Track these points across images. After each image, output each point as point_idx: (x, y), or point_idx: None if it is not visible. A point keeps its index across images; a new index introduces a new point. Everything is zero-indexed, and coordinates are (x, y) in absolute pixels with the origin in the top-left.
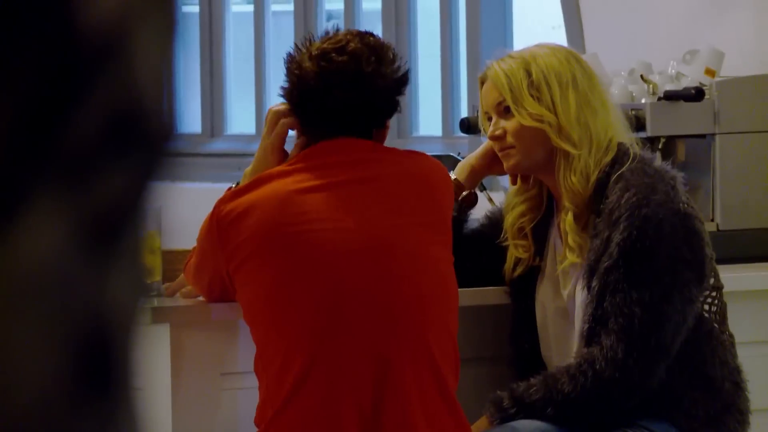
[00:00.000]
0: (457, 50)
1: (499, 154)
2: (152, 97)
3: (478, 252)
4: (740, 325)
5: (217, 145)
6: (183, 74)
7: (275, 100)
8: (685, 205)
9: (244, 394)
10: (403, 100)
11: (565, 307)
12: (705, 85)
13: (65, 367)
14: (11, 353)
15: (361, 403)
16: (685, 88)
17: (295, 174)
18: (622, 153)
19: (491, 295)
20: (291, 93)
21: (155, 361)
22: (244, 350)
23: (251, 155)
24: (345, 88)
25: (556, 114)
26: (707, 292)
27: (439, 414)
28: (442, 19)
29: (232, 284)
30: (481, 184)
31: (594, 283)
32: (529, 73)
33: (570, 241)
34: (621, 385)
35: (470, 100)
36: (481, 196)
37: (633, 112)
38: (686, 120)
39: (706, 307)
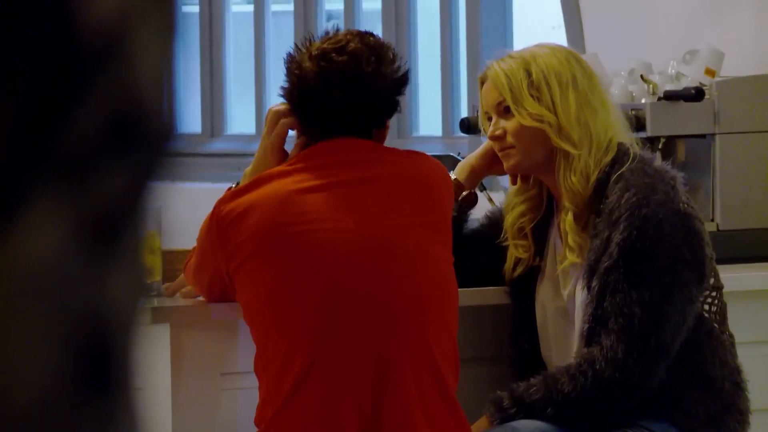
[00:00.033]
0: (457, 50)
1: (499, 154)
2: (152, 97)
3: (478, 252)
4: (740, 325)
5: (217, 145)
6: (183, 74)
7: (275, 100)
8: (685, 205)
9: (244, 394)
10: (403, 100)
11: (565, 307)
12: (705, 85)
13: (65, 367)
14: (11, 353)
15: (361, 403)
16: (685, 88)
17: (295, 174)
18: (622, 153)
19: (491, 295)
20: (291, 93)
21: (155, 361)
22: (244, 350)
23: (251, 155)
24: (345, 88)
25: (556, 114)
26: (707, 292)
27: (439, 414)
28: (442, 19)
29: (232, 284)
30: (481, 184)
31: (594, 283)
32: (529, 73)
33: (570, 241)
34: (621, 385)
35: (470, 100)
36: (481, 196)
37: (633, 112)
38: (686, 120)
39: (706, 307)
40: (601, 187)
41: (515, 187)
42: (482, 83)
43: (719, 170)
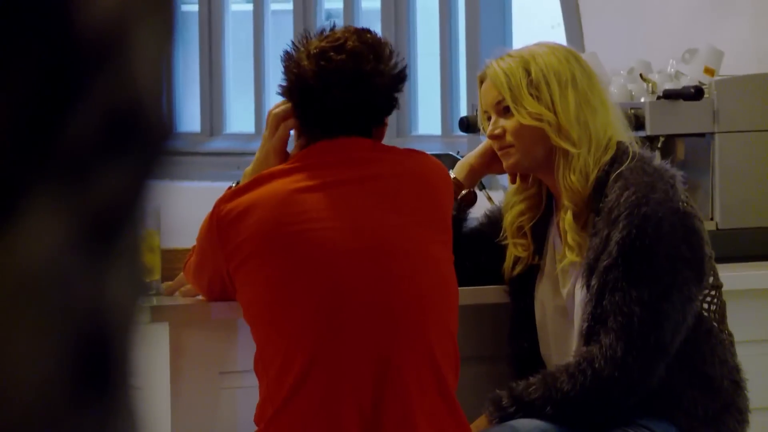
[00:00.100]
0: (457, 49)
1: (499, 153)
2: (151, 96)
3: (477, 251)
4: (740, 324)
5: (217, 144)
6: (182, 73)
7: (274, 99)
8: (685, 204)
9: (244, 393)
10: (402, 98)
11: (565, 306)
12: (704, 84)
13: (64, 367)
14: (10, 353)
15: (361, 402)
16: (685, 87)
17: (295, 173)
18: (621, 152)
19: (490, 293)
20: (289, 91)
21: (155, 360)
22: (244, 349)
23: (250, 154)
24: (344, 87)
25: (555, 113)
26: (706, 291)
27: (439, 413)
28: (441, 18)
29: (232, 284)
30: (481, 182)
31: (593, 282)
32: (528, 72)
33: (569, 239)
34: (620, 384)
35: (469, 99)
36: (481, 195)
37: (632, 111)
38: (685, 119)
39: (706, 305)
40: (600, 185)
41: (514, 186)
42: (481, 82)
43: (718, 169)
